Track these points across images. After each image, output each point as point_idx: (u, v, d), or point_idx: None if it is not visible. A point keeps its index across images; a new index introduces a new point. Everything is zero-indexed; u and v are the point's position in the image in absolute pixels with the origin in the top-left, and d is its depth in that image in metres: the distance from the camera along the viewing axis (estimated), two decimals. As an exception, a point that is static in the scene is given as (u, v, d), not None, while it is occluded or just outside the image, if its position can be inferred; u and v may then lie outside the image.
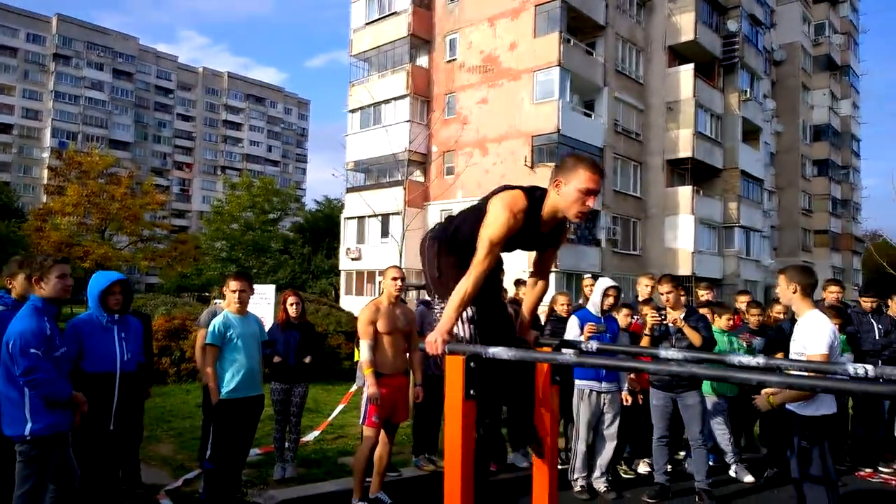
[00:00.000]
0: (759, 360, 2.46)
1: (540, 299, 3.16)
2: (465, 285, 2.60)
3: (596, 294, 5.62)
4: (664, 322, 5.52)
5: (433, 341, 2.55)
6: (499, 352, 2.36)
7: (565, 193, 2.59)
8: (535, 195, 2.66)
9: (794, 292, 3.95)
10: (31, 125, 72.66)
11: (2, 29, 70.66)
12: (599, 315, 5.60)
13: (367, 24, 31.55)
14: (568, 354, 2.39)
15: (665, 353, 2.86)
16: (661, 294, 5.57)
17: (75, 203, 33.10)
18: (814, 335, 3.80)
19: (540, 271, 3.07)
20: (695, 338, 5.40)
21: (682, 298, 5.63)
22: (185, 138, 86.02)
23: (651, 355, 3.23)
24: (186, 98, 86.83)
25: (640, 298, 6.44)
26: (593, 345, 2.99)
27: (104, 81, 75.98)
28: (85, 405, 3.63)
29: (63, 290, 3.65)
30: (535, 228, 2.69)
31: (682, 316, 5.48)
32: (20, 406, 3.44)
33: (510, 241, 2.66)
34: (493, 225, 2.57)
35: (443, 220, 3.01)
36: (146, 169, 73.76)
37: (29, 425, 3.43)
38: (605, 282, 5.73)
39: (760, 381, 1.83)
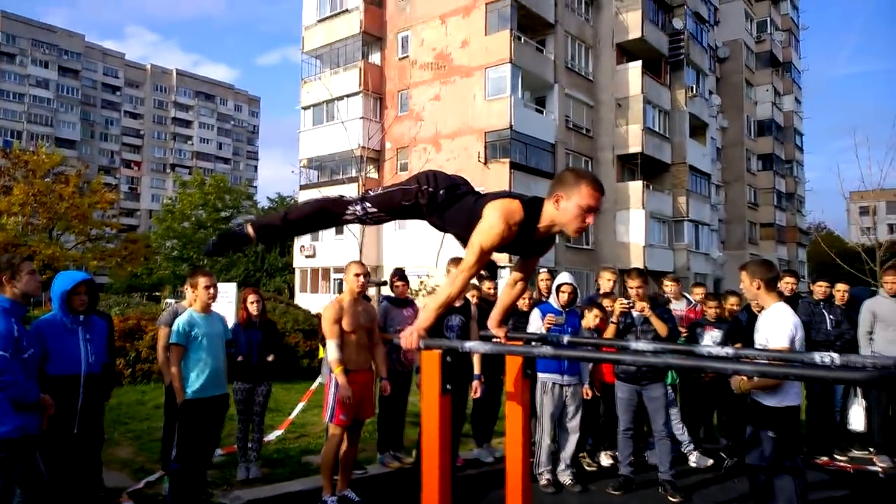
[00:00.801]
0: (728, 350, 2.57)
1: (516, 300, 3.19)
2: (450, 289, 2.62)
3: (555, 289, 5.74)
4: (631, 309, 5.60)
5: (409, 335, 2.58)
6: (475, 346, 2.42)
7: (565, 209, 2.53)
8: (533, 207, 2.59)
9: (759, 288, 4.06)
10: (-28, 123, 69.77)
11: (-60, 25, 67.70)
12: (560, 309, 5.72)
13: (318, 21, 31.26)
14: (545, 348, 2.47)
15: (635, 344, 2.96)
16: (630, 288, 5.62)
17: (22, 203, 31.91)
18: (777, 328, 3.90)
19: (523, 273, 3.07)
20: (661, 328, 5.50)
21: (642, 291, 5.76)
22: (133, 136, 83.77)
23: (620, 347, 3.34)
24: (134, 95, 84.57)
25: (602, 292, 6.58)
26: (564, 338, 3.08)
27: (49, 79, 73.53)
28: (52, 408, 3.57)
29: (35, 286, 3.64)
30: (527, 239, 2.66)
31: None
32: None
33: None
34: (487, 233, 2.51)
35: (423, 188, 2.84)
36: (94, 167, 71.43)
37: None
38: (560, 278, 5.85)
39: (735, 370, 1.93)
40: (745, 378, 4.00)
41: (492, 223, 2.50)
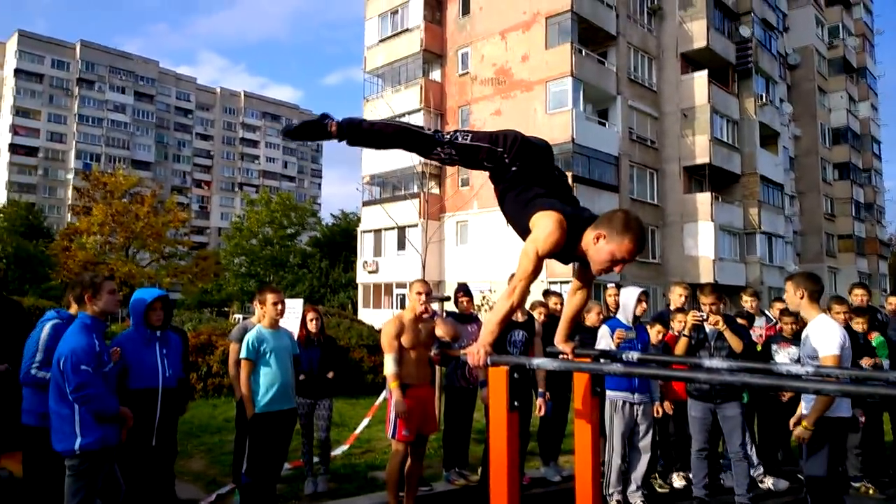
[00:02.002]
0: (808, 368, 2.44)
1: (580, 309, 3.15)
2: (509, 300, 2.61)
3: (629, 302, 5.59)
4: (704, 322, 5.37)
5: (476, 352, 2.55)
6: (543, 363, 2.37)
7: (601, 248, 2.56)
8: (575, 225, 2.62)
9: (802, 297, 4.01)
10: (56, 148, 74.07)
11: (29, 56, 72.33)
12: (630, 324, 5.58)
13: (380, 41, 31.85)
14: (615, 365, 2.40)
15: (709, 362, 2.84)
16: (704, 305, 5.42)
17: (101, 222, 33.68)
18: (826, 337, 3.84)
19: (582, 282, 3.04)
20: (736, 343, 5.26)
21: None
22: (203, 157, 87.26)
23: (693, 365, 3.21)
24: (205, 118, 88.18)
25: (673, 307, 6.38)
26: (634, 355, 2.99)
27: (126, 104, 77.46)
28: (131, 420, 3.71)
29: (114, 304, 3.84)
30: (570, 253, 2.71)
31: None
32: (70, 421, 3.52)
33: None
34: (544, 241, 2.55)
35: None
36: (167, 187, 74.84)
37: (79, 440, 3.50)
38: (635, 289, 5.70)
39: (817, 390, 1.83)
40: (804, 424, 3.87)
41: (549, 231, 2.55)
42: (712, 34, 28.94)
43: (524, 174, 2.82)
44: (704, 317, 5.35)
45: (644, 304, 5.62)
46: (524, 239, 2.71)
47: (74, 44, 75.61)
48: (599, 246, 2.56)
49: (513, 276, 2.72)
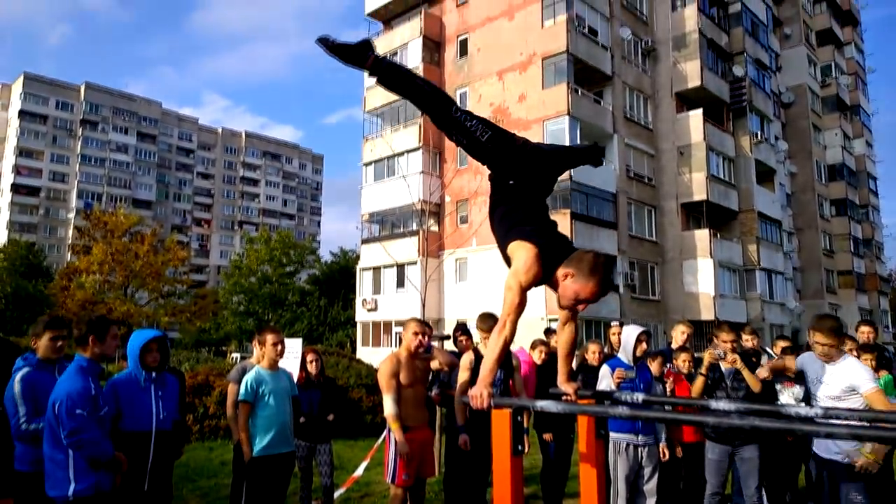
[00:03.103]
0: (817, 409, 2.40)
1: (572, 344, 3.14)
2: (503, 334, 2.64)
3: (629, 341, 5.53)
4: (721, 361, 5.26)
5: (478, 394, 2.52)
6: (547, 405, 2.33)
7: (566, 287, 2.65)
8: (555, 253, 2.71)
9: (833, 346, 4.13)
10: (58, 187, 74.56)
11: (34, 98, 73.37)
12: (631, 363, 5.51)
13: (380, 80, 32.26)
14: (620, 408, 2.35)
15: (716, 404, 2.79)
16: (724, 342, 5.32)
17: (100, 262, 33.69)
18: (862, 373, 3.90)
19: (569, 312, 3.02)
20: (754, 383, 5.15)
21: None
22: (204, 195, 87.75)
23: (701, 406, 3.15)
24: (206, 157, 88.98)
25: (675, 346, 6.31)
26: (639, 396, 2.94)
27: (129, 144, 78.27)
28: (125, 465, 3.63)
29: (114, 348, 3.82)
30: (548, 281, 2.77)
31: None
32: (64, 467, 3.46)
33: None
34: (525, 274, 2.63)
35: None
36: (167, 226, 75.13)
37: (72, 486, 3.44)
38: (636, 328, 5.65)
39: (828, 433, 1.78)
40: (869, 452, 3.78)
41: (528, 265, 2.64)
42: (706, 74, 29.38)
43: (519, 192, 2.91)
44: (722, 355, 5.24)
45: (644, 345, 5.55)
46: (503, 254, 2.83)
47: (79, 85, 76.67)
48: (567, 283, 2.65)
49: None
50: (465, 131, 2.92)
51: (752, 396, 5.13)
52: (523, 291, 2.64)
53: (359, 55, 2.87)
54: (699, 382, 5.32)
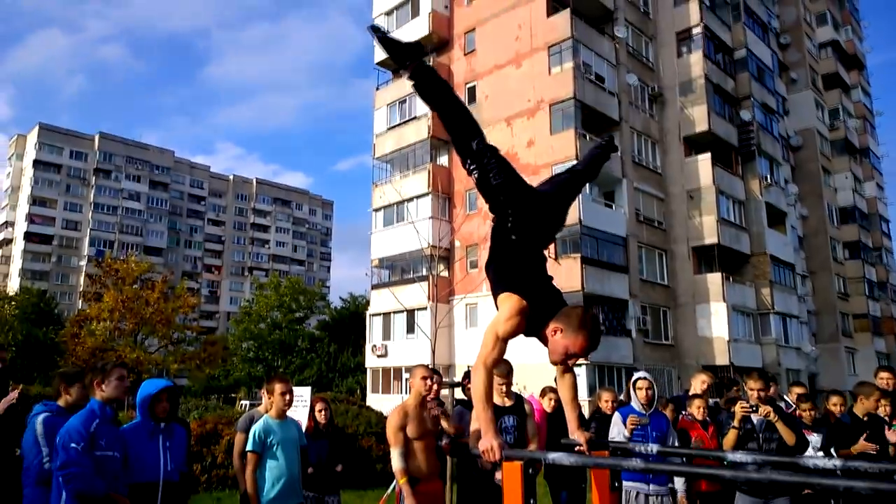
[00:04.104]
0: (836, 461, 2.31)
1: (575, 390, 3.09)
2: (479, 380, 2.64)
3: (632, 387, 5.45)
4: (753, 413, 5.07)
5: (489, 448, 2.48)
6: (559, 457, 2.27)
7: (556, 342, 2.67)
8: (544, 309, 2.72)
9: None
10: (70, 235, 75.46)
11: (48, 148, 74.93)
12: (643, 410, 5.40)
13: (389, 128, 32.79)
14: (634, 460, 2.29)
15: (732, 455, 2.70)
16: (751, 390, 5.13)
17: (111, 308, 33.73)
18: None
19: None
20: (788, 436, 4.95)
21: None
22: (215, 242, 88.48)
23: (716, 458, 3.06)
24: (217, 204, 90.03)
25: (692, 392, 6.18)
26: (654, 448, 2.86)
27: (141, 192, 79.42)
28: None
29: (122, 390, 3.85)
30: (537, 335, 2.79)
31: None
32: None
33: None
34: (504, 325, 2.67)
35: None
36: (178, 273, 75.59)
37: None
38: (636, 375, 5.56)
39: (847, 487, 1.71)
40: None
41: (509, 317, 2.67)
42: (713, 118, 29.62)
43: (518, 247, 2.89)
44: (754, 407, 5.05)
45: (643, 392, 5.40)
46: (496, 305, 2.83)
47: (93, 136, 78.28)
48: (556, 338, 2.67)
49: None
50: (481, 166, 2.92)
51: (786, 448, 4.94)
52: (501, 342, 2.67)
53: (407, 55, 2.88)
54: (732, 435, 5.10)
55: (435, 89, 2.95)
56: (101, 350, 32.61)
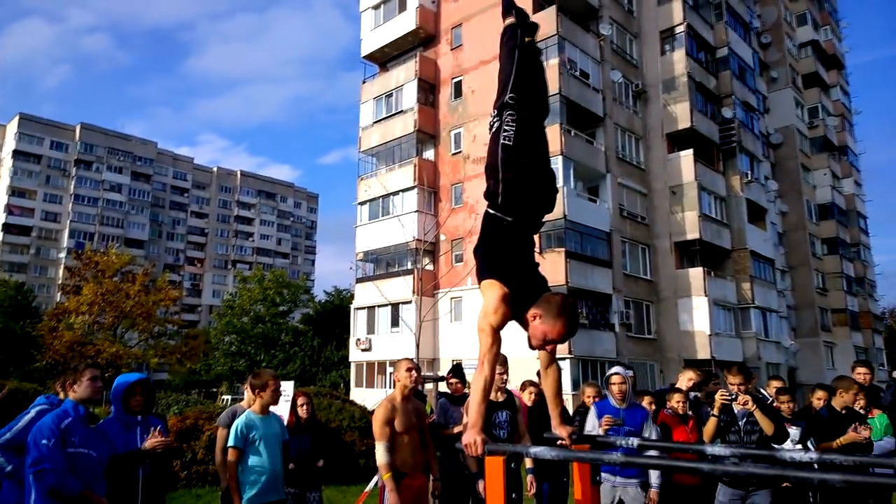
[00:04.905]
0: (812, 454, 2.35)
1: (559, 384, 3.10)
2: (482, 375, 2.68)
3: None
4: (732, 402, 5.14)
5: (472, 442, 2.48)
6: (541, 451, 2.28)
7: (535, 327, 2.70)
8: (526, 296, 2.75)
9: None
10: (49, 227, 74.47)
11: (28, 138, 73.84)
12: (618, 406, 5.42)
13: (375, 122, 32.68)
14: (615, 454, 2.31)
15: (711, 449, 2.73)
16: (732, 385, 5.20)
17: (90, 302, 33.23)
18: None
19: (547, 352, 2.97)
20: (767, 426, 5.01)
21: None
22: (198, 234, 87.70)
23: (696, 451, 3.10)
24: (201, 196, 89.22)
25: (676, 386, 6.23)
26: (634, 441, 2.89)
27: (122, 184, 78.49)
28: None
29: (94, 391, 3.81)
30: (520, 321, 2.81)
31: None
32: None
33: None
34: (494, 315, 2.70)
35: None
36: (160, 266, 74.84)
37: None
38: (609, 370, 5.60)
39: (822, 480, 1.74)
40: None
41: (496, 306, 2.71)
42: (696, 116, 29.85)
43: (511, 232, 2.93)
44: (733, 396, 5.13)
45: (616, 388, 5.43)
46: (480, 288, 2.87)
47: (75, 126, 77.23)
48: (535, 324, 2.70)
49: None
50: (502, 119, 3.11)
51: (767, 440, 5.00)
52: (495, 332, 2.70)
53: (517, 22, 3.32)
54: (711, 424, 5.18)
55: (515, 43, 3.28)
56: (80, 344, 32.20)
